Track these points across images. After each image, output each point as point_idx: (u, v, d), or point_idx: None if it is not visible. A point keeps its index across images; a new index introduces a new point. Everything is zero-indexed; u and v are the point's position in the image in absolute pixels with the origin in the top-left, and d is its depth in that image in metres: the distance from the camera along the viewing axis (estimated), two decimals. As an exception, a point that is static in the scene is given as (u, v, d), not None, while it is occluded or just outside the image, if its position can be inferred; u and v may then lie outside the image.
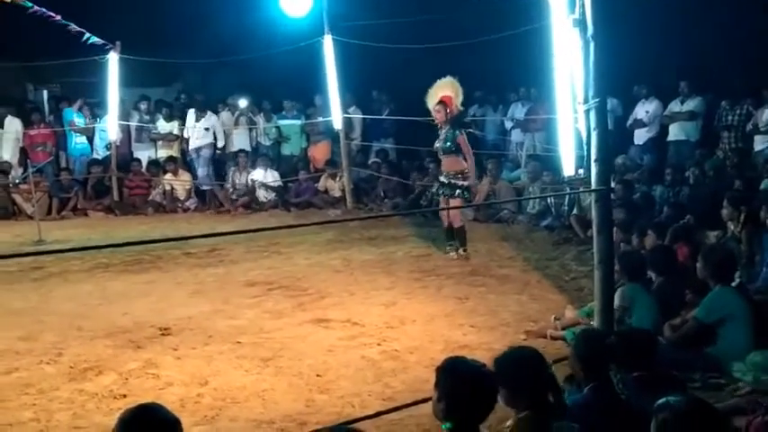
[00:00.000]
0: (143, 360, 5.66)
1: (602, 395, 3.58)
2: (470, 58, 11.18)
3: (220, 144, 14.37)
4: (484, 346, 5.80)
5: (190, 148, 14.28)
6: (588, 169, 5.54)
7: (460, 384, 2.90)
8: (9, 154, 13.86)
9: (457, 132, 8.78)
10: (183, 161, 14.30)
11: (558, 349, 5.57)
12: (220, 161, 14.48)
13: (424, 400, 4.45)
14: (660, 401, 2.64)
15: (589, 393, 3.62)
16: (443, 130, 8.83)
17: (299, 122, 14.64)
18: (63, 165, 14.32)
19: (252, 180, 13.58)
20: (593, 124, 5.26)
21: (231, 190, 13.70)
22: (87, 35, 12.31)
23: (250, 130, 14.65)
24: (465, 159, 8.80)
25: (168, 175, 13.79)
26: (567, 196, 10.17)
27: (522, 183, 11.94)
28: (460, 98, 8.97)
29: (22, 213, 12.88)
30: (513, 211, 11.36)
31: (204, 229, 11.30)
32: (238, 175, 13.71)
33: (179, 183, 13.79)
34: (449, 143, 8.75)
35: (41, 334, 6.37)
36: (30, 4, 11.43)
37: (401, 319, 6.61)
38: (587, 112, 5.26)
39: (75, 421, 4.69)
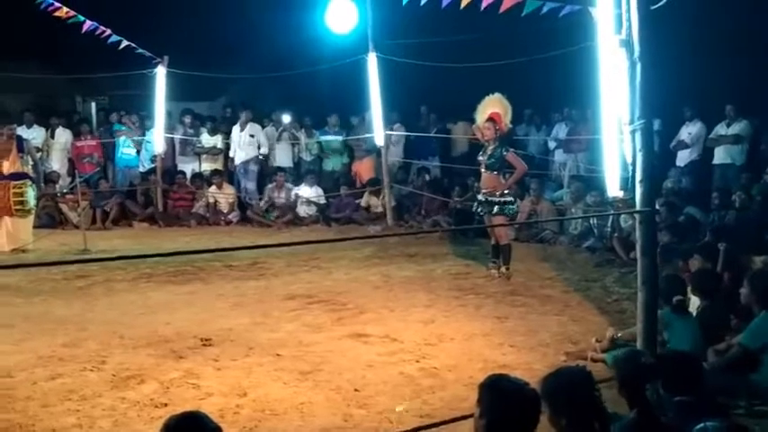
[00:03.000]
0: (184, 370, 5.73)
1: (646, 419, 3.53)
2: (515, 78, 11.17)
3: (264, 151, 14.46)
4: (523, 366, 5.76)
5: (237, 162, 14.43)
6: (632, 190, 5.50)
7: (503, 402, 2.88)
8: (58, 164, 14.17)
9: (504, 151, 8.78)
10: (227, 175, 14.44)
11: (599, 371, 5.50)
12: (266, 175, 14.56)
13: (463, 418, 4.45)
14: (698, 426, 2.60)
15: (633, 417, 3.57)
16: (491, 147, 8.82)
17: (340, 138, 14.74)
18: (108, 176, 14.56)
19: (296, 195, 13.67)
20: (638, 145, 5.22)
21: (265, 206, 13.76)
22: (137, 49, 12.58)
23: (292, 145, 14.77)
24: (505, 176, 8.82)
25: (212, 188, 13.95)
26: (610, 217, 10.08)
27: (564, 203, 11.87)
28: (509, 116, 8.98)
29: (68, 223, 13.11)
30: (555, 232, 11.29)
31: (246, 242, 11.40)
32: (277, 193, 13.79)
33: (222, 196, 13.94)
34: (494, 160, 8.75)
35: (85, 341, 6.47)
36: (82, 18, 11.73)
37: (440, 336, 6.60)
38: (633, 133, 5.23)
39: (116, 428, 4.75)
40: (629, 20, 5.19)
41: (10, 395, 5.24)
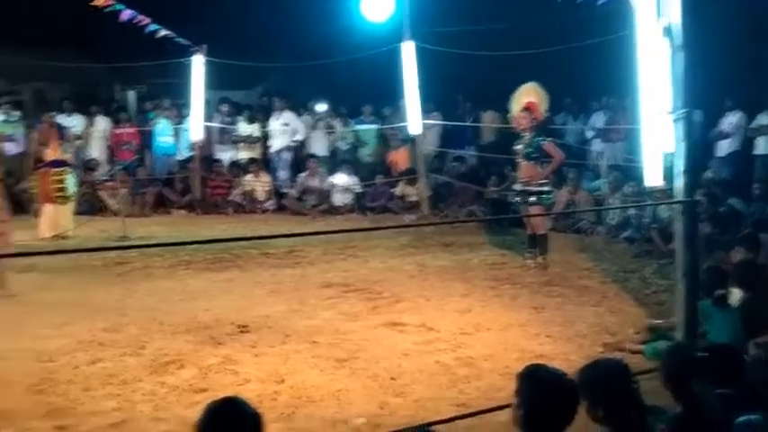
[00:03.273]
0: (222, 356, 5.79)
1: (693, 414, 3.48)
2: (552, 66, 11.08)
3: (299, 137, 14.50)
4: (560, 356, 5.73)
5: (271, 150, 14.52)
6: (672, 181, 5.44)
7: (541, 392, 2.88)
8: (97, 152, 14.35)
9: (541, 140, 8.73)
10: (264, 163, 14.52)
11: (637, 363, 5.46)
12: (300, 162, 14.61)
13: (499, 408, 4.44)
14: (740, 419, 2.57)
15: (680, 412, 3.53)
16: (527, 136, 8.76)
17: (375, 127, 14.73)
18: (146, 164, 14.72)
19: (331, 183, 13.71)
20: (679, 135, 5.16)
21: (298, 194, 13.80)
22: (174, 37, 12.68)
23: (328, 134, 14.81)
24: (543, 166, 8.76)
25: (249, 176, 14.03)
26: (649, 208, 9.96)
27: (602, 193, 11.75)
28: (545, 104, 8.92)
29: (107, 210, 13.27)
30: (593, 222, 11.19)
31: (282, 230, 11.45)
32: (310, 180, 13.84)
33: (259, 184, 14.02)
34: (531, 149, 8.70)
35: (125, 327, 6.56)
36: (121, 7, 11.84)
37: (476, 326, 6.59)
38: (674, 122, 5.16)
39: (156, 413, 4.82)
40: (670, 7, 5.12)
41: (52, 379, 5.34)
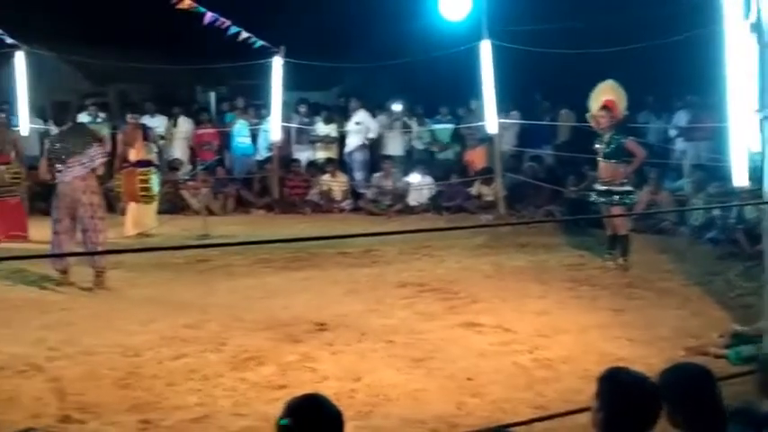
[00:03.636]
0: (300, 353, 5.87)
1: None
2: (634, 64, 10.87)
3: (371, 135, 14.57)
4: (641, 360, 5.60)
5: (346, 150, 14.66)
6: (759, 180, 5.28)
7: (622, 395, 2.82)
8: (179, 152, 14.68)
9: (622, 139, 8.59)
10: (341, 163, 14.65)
11: (721, 368, 5.32)
12: (375, 162, 14.69)
13: (578, 411, 4.37)
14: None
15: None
16: (607, 135, 8.62)
17: (452, 127, 14.70)
18: (226, 164, 15.01)
19: (407, 183, 13.74)
20: (766, 134, 5.01)
21: (374, 195, 13.85)
22: (254, 40, 12.91)
23: (404, 134, 14.85)
24: (627, 164, 8.61)
25: (326, 176, 14.18)
26: (734, 208, 9.67)
27: (685, 193, 11.47)
28: (624, 103, 8.76)
29: (189, 209, 13.57)
30: (675, 223, 10.92)
31: (359, 230, 11.51)
32: (384, 181, 13.88)
33: (336, 184, 14.15)
34: (612, 149, 8.56)
35: (206, 323, 6.71)
36: (203, 10, 12.11)
37: (554, 327, 6.52)
38: (762, 121, 5.02)
39: (236, 408, 4.92)
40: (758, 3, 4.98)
41: (137, 373, 5.50)
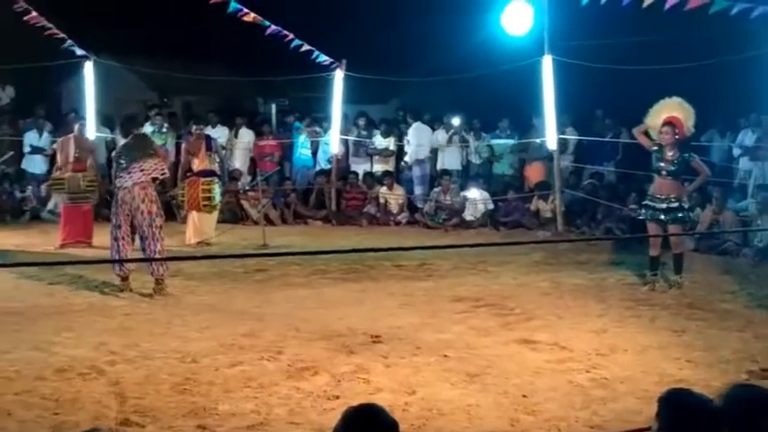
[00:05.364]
0: (355, 364, 5.89)
1: None
2: (697, 81, 10.67)
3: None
4: (701, 382, 5.48)
5: (403, 163, 14.75)
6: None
7: (684, 417, 2.77)
8: (240, 162, 14.90)
9: (689, 156, 8.46)
10: (397, 176, 14.70)
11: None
12: (433, 177, 14.69)
13: (637, 431, 4.31)
14: None
15: None
16: (669, 152, 8.45)
17: (511, 142, 14.64)
18: (287, 175, 15.19)
19: (464, 198, 13.70)
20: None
21: (432, 209, 13.82)
22: (316, 53, 13.07)
23: (462, 148, 14.83)
24: (688, 182, 8.47)
25: (383, 189, 14.23)
26: (801, 230, 9.43)
27: (749, 214, 11.23)
28: (692, 121, 8.59)
29: (248, 219, 13.74)
30: (738, 244, 10.68)
31: (414, 243, 11.54)
32: (443, 196, 13.85)
33: (393, 196, 14.19)
34: (677, 166, 8.40)
35: (263, 332, 6.78)
36: (267, 23, 12.31)
37: (611, 347, 6.42)
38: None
39: (291, 417, 4.95)
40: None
41: (195, 379, 5.58)
